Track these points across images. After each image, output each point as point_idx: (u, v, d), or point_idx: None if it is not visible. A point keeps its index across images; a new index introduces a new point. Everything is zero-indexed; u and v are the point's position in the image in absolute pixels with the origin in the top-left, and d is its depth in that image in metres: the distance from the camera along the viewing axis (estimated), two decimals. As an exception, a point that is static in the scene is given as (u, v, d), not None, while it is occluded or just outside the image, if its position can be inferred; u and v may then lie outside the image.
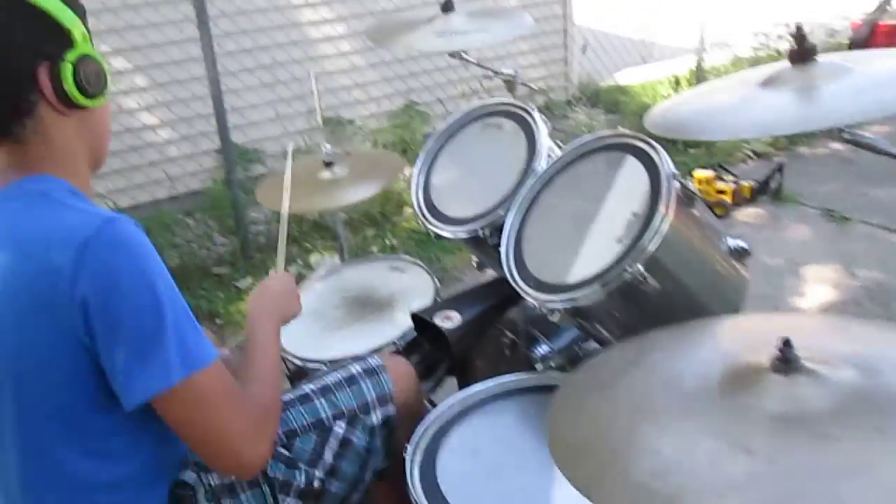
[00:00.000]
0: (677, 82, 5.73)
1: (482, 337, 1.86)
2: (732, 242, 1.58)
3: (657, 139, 1.54)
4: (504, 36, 2.16)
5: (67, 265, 1.07)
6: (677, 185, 1.45)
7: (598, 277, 1.45)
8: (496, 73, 2.26)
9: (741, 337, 1.15)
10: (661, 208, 1.42)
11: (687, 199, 1.48)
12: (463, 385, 2.17)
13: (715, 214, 1.77)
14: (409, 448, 1.43)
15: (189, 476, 1.33)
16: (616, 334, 1.64)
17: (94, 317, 1.08)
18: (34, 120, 1.16)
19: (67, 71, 1.15)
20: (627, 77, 6.16)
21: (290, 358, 1.93)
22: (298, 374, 1.96)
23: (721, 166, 4.38)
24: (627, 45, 6.07)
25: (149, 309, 1.10)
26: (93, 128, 1.25)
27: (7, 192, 1.17)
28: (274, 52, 4.48)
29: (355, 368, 1.62)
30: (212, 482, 1.34)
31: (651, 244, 1.40)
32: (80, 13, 1.20)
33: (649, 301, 1.46)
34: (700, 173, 4.19)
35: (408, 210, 4.22)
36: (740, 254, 1.59)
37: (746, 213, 4.09)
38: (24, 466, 1.18)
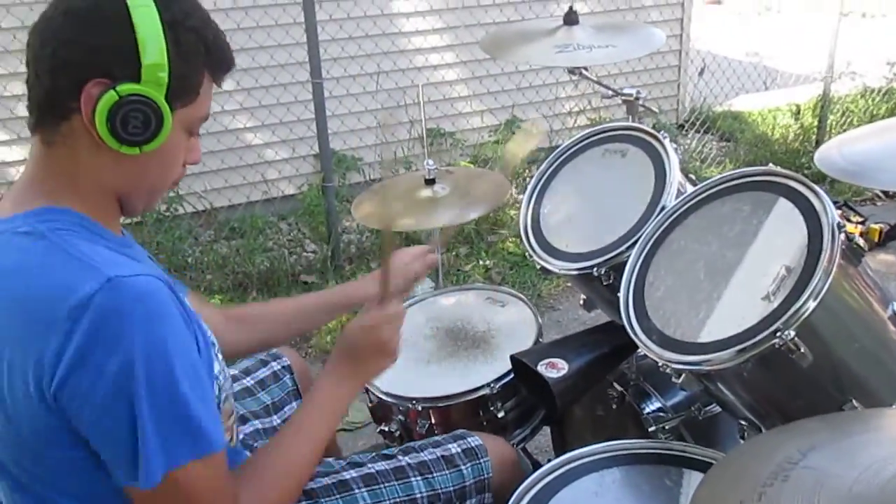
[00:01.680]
0: (799, 112, 5.36)
1: (589, 391, 1.66)
2: (898, 308, 1.34)
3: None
4: (632, 53, 1.96)
5: (56, 332, 0.93)
6: (842, 237, 1.22)
7: (737, 340, 1.23)
8: (617, 92, 2.06)
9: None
10: (823, 264, 1.19)
11: (852, 255, 1.25)
12: (557, 437, 1.97)
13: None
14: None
15: None
16: (745, 401, 1.41)
17: (75, 394, 0.94)
18: (69, 127, 1.02)
19: (107, 101, 0.98)
20: (744, 103, 5.82)
21: (372, 390, 1.78)
22: (380, 407, 1.81)
23: (847, 205, 4.03)
24: (748, 70, 5.71)
25: (137, 399, 0.95)
26: (128, 173, 1.07)
27: (20, 219, 1.03)
28: (379, 60, 4.39)
29: (455, 448, 1.46)
30: None
31: (808, 307, 1.18)
32: (191, 56, 1.03)
33: (795, 372, 1.23)
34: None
35: (503, 230, 4.03)
36: (907, 322, 1.34)
37: (875, 260, 3.73)
38: None
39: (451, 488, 1.41)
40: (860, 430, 0.98)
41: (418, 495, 1.38)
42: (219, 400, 1.17)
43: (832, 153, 1.09)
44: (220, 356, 1.22)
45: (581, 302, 1.84)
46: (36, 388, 0.95)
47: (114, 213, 1.11)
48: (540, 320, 1.89)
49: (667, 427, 1.63)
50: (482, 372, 1.75)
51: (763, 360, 1.22)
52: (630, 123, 1.77)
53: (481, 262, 3.79)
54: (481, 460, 1.44)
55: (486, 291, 2.08)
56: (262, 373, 1.69)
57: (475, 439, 1.48)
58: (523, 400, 1.77)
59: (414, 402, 1.70)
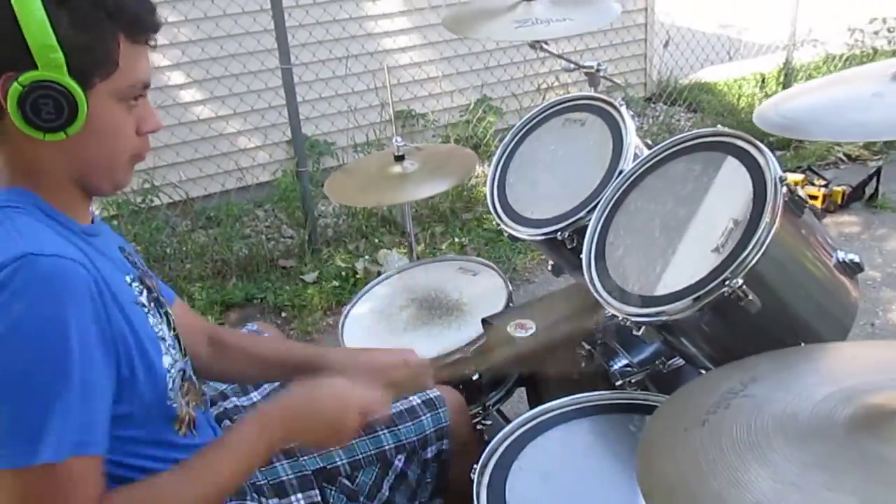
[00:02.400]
0: (763, 80, 5.46)
1: (558, 349, 1.73)
2: (843, 255, 1.42)
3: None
4: (590, 25, 2.02)
5: None
6: (785, 190, 1.30)
7: (690, 291, 1.31)
8: (578, 65, 2.12)
9: (862, 370, 1.00)
10: (767, 216, 1.27)
11: (795, 206, 1.32)
12: (532, 397, 2.05)
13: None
14: (477, 468, 1.32)
15: None
16: (705, 352, 1.49)
17: None
18: (4, 124, 1.00)
19: (14, 94, 0.96)
20: (710, 74, 5.91)
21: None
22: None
23: (811, 169, 4.14)
24: (713, 41, 5.80)
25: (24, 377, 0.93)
26: (71, 157, 1.05)
27: None
28: (347, 44, 4.42)
29: (416, 399, 1.55)
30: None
31: (753, 256, 1.25)
32: (90, 25, 0.99)
33: (747, 319, 1.31)
34: (788, 177, 3.94)
35: (478, 207, 4.10)
36: (852, 269, 1.42)
37: (838, 221, 3.84)
38: None
39: (415, 438, 1.50)
40: (800, 363, 1.07)
41: (386, 447, 1.47)
42: (169, 395, 1.14)
43: (769, 112, 1.17)
44: (174, 350, 1.17)
45: (549, 268, 1.92)
46: None
47: (76, 200, 1.10)
48: (510, 287, 1.96)
49: (633, 381, 1.70)
50: (456, 338, 1.82)
51: (715, 308, 1.30)
52: (588, 93, 1.84)
53: (457, 240, 3.86)
54: (440, 410, 1.54)
55: (457, 262, 2.15)
56: None
57: (433, 391, 1.57)
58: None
59: (391, 369, 1.77)
